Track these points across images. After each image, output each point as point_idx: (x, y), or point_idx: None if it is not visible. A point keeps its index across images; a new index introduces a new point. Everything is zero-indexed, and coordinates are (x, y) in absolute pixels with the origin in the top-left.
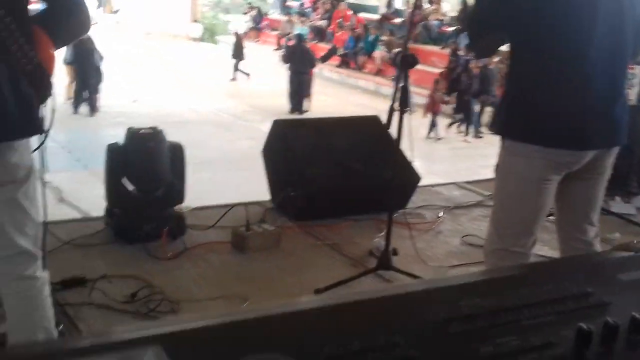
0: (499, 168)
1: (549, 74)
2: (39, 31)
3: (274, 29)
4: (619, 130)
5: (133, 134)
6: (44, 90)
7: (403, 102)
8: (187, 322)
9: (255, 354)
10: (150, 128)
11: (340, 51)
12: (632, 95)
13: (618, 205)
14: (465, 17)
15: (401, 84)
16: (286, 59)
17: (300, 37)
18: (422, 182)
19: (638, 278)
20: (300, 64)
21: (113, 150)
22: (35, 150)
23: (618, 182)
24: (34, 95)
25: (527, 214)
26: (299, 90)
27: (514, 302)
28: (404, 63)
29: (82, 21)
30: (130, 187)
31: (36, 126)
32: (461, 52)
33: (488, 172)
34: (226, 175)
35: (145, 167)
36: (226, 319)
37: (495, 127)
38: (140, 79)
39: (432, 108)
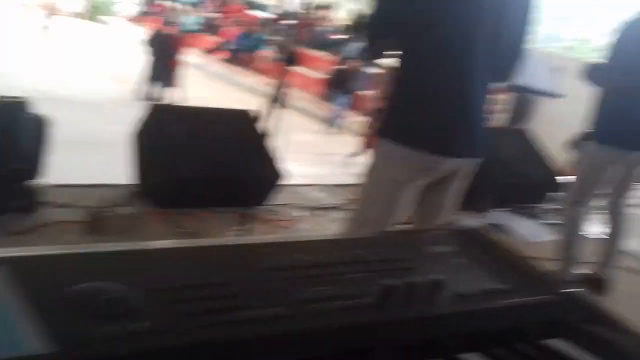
0: (369, 166)
1: (426, 83)
2: None
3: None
4: (480, 144)
5: None
6: None
7: (277, 98)
8: (39, 249)
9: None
10: (17, 97)
11: (230, 46)
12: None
13: (468, 220)
14: (365, 22)
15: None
16: (149, 42)
17: (167, 22)
18: (289, 182)
19: (441, 251)
20: (161, 50)
21: None
22: None
23: (472, 199)
24: None
25: (385, 214)
26: (155, 77)
27: (336, 259)
28: (286, 60)
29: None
30: None
31: None
32: (348, 60)
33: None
34: (93, 156)
35: (4, 137)
36: (74, 250)
37: (376, 129)
38: (18, 53)
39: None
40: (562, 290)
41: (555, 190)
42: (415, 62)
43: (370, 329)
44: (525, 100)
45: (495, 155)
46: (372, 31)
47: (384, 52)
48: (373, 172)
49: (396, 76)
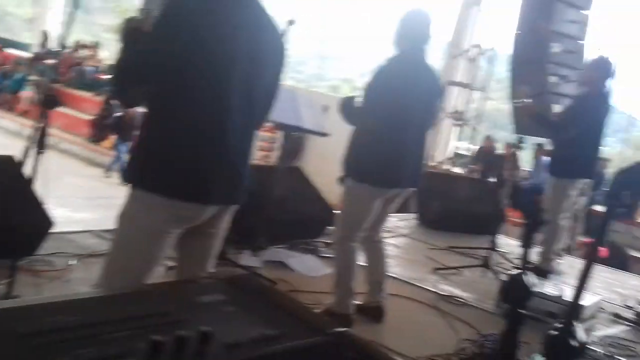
0: (121, 215)
1: (181, 125)
2: None
3: None
4: (243, 189)
5: None
6: None
7: (40, 142)
8: None
9: None
10: None
11: None
12: (274, 156)
13: (247, 259)
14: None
15: (41, 124)
16: None
17: None
18: (59, 229)
19: (210, 300)
20: None
21: None
22: None
23: (248, 237)
24: None
25: (141, 265)
26: None
27: (97, 318)
28: (46, 103)
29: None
30: None
31: None
32: (115, 101)
33: None
34: None
35: None
36: None
37: (125, 174)
38: None
39: None
40: (332, 331)
41: (330, 225)
42: (166, 106)
43: None
44: (295, 138)
45: (269, 193)
46: (119, 80)
47: (137, 100)
48: (126, 223)
49: (146, 120)
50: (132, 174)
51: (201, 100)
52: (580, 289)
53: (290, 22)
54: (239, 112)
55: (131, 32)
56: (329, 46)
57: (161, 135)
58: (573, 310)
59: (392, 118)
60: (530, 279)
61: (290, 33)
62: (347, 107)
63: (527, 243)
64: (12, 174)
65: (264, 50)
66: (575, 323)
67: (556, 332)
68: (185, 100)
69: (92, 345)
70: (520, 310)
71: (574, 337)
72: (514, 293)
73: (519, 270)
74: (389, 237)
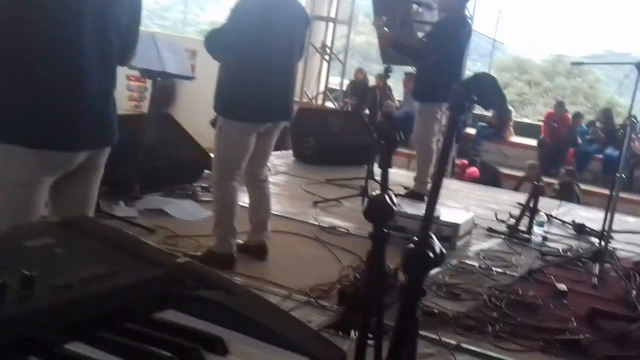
0: None
1: (36, 74)
2: None
3: None
4: (110, 131)
5: None
6: None
7: None
8: None
9: None
10: None
11: None
12: (145, 106)
13: (122, 209)
14: None
15: None
16: None
17: None
18: None
19: (38, 244)
20: None
21: None
22: None
23: (122, 187)
24: None
25: (17, 217)
26: None
27: None
28: None
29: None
30: None
31: None
32: None
33: None
34: None
35: None
36: None
37: None
38: None
39: None
40: (172, 263)
41: (208, 168)
42: (16, 54)
43: None
44: (164, 85)
45: (140, 141)
46: None
47: None
48: None
49: None
50: None
51: (52, 45)
52: (432, 201)
53: None
54: (94, 55)
55: None
56: None
57: (15, 86)
58: (428, 224)
59: (256, 51)
60: (392, 197)
61: None
62: (212, 41)
63: (385, 165)
64: None
65: None
66: (431, 235)
67: (412, 246)
68: (35, 48)
69: None
70: (384, 229)
71: (431, 248)
72: (376, 213)
73: (380, 191)
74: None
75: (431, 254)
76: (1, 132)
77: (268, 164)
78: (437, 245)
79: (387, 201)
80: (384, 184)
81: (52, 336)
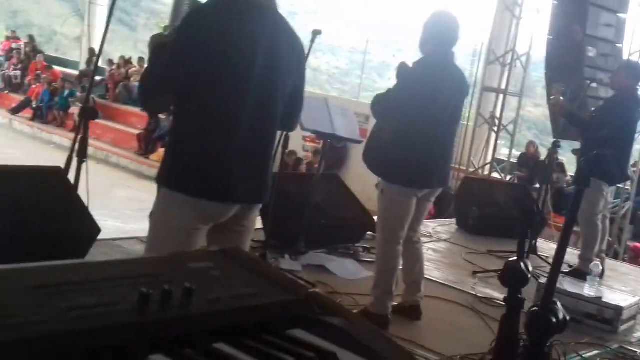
0: (152, 216)
1: (201, 131)
2: None
3: None
4: (264, 188)
5: None
6: None
7: (81, 152)
8: None
9: None
10: None
11: (35, 104)
12: (314, 165)
13: (287, 263)
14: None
15: (80, 135)
16: None
17: None
18: (104, 236)
19: (198, 266)
20: None
21: None
22: None
23: (288, 242)
24: None
25: None
26: None
27: (98, 276)
28: (85, 114)
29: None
30: None
31: None
32: (161, 115)
33: None
34: None
35: None
36: None
37: (157, 178)
38: None
39: None
40: (304, 292)
41: (371, 230)
42: (189, 114)
43: (129, 328)
44: (336, 147)
45: (308, 200)
46: (144, 90)
47: (161, 109)
48: (156, 222)
49: (172, 126)
50: (161, 175)
51: (218, 107)
52: (557, 266)
53: (315, 33)
54: (256, 118)
55: (158, 46)
56: (372, 57)
57: (184, 139)
58: (552, 289)
59: (421, 119)
60: (527, 265)
61: (314, 43)
62: (379, 106)
63: (523, 236)
64: (60, 184)
65: (281, 59)
66: (555, 301)
67: (536, 309)
68: (204, 108)
69: (91, 295)
70: (519, 296)
71: (554, 314)
72: (511, 278)
73: (516, 258)
74: (429, 241)
75: (554, 319)
76: (169, 179)
77: (430, 230)
78: (562, 311)
79: (522, 268)
80: (520, 254)
81: (204, 337)
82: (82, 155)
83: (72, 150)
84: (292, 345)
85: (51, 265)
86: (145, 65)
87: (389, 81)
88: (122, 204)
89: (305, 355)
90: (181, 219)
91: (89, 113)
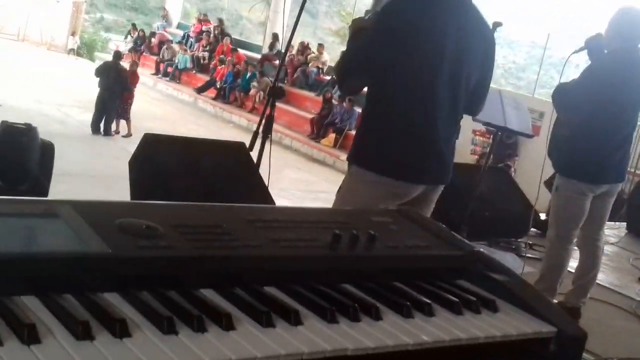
0: (340, 190)
1: (396, 113)
2: None
3: (153, 54)
4: (447, 171)
5: (7, 127)
6: None
7: (266, 129)
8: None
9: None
10: (25, 124)
11: (219, 85)
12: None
13: None
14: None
15: (267, 113)
16: (97, 72)
17: (116, 55)
18: None
19: (380, 220)
20: (111, 81)
21: None
22: None
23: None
24: None
25: None
26: (103, 109)
27: (298, 219)
28: (273, 93)
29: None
30: None
31: None
32: (334, 101)
33: None
34: (86, 188)
35: (14, 161)
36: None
37: (348, 155)
38: (8, 86)
39: None
40: (469, 249)
41: (535, 226)
42: (383, 96)
43: (324, 260)
44: (506, 142)
45: (473, 190)
46: (342, 70)
47: (355, 89)
48: (343, 196)
49: (366, 108)
50: (352, 153)
51: (412, 92)
52: None
53: (496, 25)
54: (445, 105)
55: (357, 30)
56: (552, 52)
57: (377, 121)
58: None
59: (603, 115)
60: None
61: (495, 35)
62: (559, 96)
63: None
64: (243, 159)
65: (471, 50)
66: None
67: None
68: (398, 92)
69: (294, 232)
70: None
71: None
72: None
73: None
74: None
75: None
76: (360, 157)
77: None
78: None
79: None
80: None
81: (383, 275)
82: (267, 132)
83: (258, 126)
84: (457, 290)
85: (265, 207)
86: (342, 50)
87: (568, 79)
88: (291, 185)
89: (468, 298)
90: (368, 196)
91: (277, 92)
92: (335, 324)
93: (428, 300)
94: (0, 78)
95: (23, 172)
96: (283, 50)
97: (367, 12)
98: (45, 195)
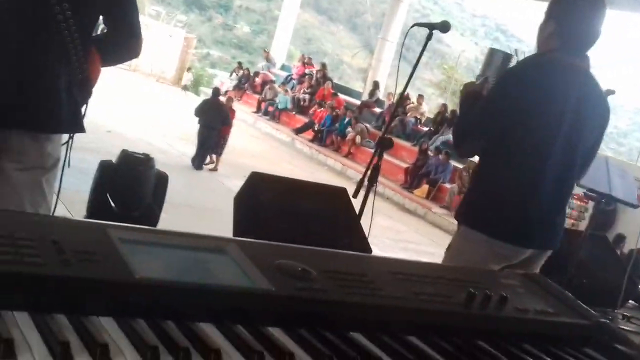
0: (449, 249)
1: (509, 178)
2: (94, 51)
3: (256, 92)
4: (556, 236)
5: (126, 155)
6: (86, 97)
7: (372, 177)
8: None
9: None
10: (143, 154)
11: (317, 127)
12: (581, 225)
13: None
14: (454, 123)
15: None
16: (197, 111)
17: (215, 92)
18: None
19: (508, 282)
20: (210, 118)
21: (105, 167)
22: (63, 144)
23: None
24: (80, 100)
25: None
26: (204, 144)
27: (439, 277)
28: (382, 143)
29: (134, 50)
30: (112, 203)
31: (80, 126)
32: (430, 153)
33: None
34: (187, 218)
35: (130, 188)
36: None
37: (457, 215)
38: (118, 113)
39: None
40: (597, 320)
41: (634, 299)
42: (498, 159)
43: (458, 316)
44: (606, 209)
45: (573, 256)
46: (460, 133)
47: (473, 152)
48: (452, 254)
49: (477, 170)
50: (461, 212)
51: (528, 157)
52: None
53: (609, 92)
54: (559, 171)
55: (470, 94)
56: None
57: (488, 183)
58: None
59: None
60: None
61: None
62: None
63: None
64: (345, 205)
65: (588, 120)
66: None
67: None
68: (513, 156)
69: (431, 286)
70: None
71: None
72: None
73: None
74: None
75: None
76: (469, 217)
77: None
78: None
79: None
80: None
81: (513, 337)
82: (372, 181)
83: (364, 175)
84: (586, 358)
85: (403, 260)
86: (454, 109)
87: None
88: (381, 232)
89: None
90: (476, 257)
91: (386, 143)
92: None
93: None
94: (111, 105)
95: (138, 199)
96: (396, 102)
97: (478, 76)
98: (156, 223)
